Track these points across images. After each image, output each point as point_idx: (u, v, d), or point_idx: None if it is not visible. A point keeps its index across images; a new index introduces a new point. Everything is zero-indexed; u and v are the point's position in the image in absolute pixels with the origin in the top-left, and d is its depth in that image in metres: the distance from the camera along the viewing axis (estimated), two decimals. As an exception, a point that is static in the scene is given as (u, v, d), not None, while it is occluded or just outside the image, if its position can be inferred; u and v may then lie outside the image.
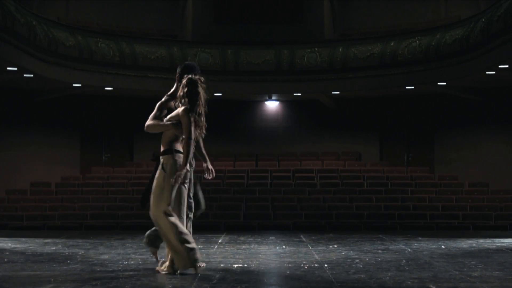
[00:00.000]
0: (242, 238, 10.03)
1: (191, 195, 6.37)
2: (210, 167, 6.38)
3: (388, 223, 13.52)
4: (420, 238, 10.19)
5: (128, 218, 13.68)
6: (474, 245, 8.88)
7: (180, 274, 5.66)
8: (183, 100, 6.11)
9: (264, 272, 5.95)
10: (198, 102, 6.03)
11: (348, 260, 6.87)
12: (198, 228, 13.04)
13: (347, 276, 5.57)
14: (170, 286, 5.02)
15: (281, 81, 17.41)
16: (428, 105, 18.51)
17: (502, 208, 14.22)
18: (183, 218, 6.02)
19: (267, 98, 19.08)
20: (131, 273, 5.80)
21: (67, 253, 7.65)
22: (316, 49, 17.21)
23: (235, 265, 6.35)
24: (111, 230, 12.54)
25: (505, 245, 8.83)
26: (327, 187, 15.54)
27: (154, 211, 5.92)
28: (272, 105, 19.47)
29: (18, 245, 8.83)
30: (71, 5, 19.01)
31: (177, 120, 6.08)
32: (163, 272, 5.77)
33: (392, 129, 18.87)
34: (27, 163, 17.25)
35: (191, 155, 5.99)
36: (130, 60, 16.72)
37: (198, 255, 5.73)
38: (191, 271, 5.71)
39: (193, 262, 5.65)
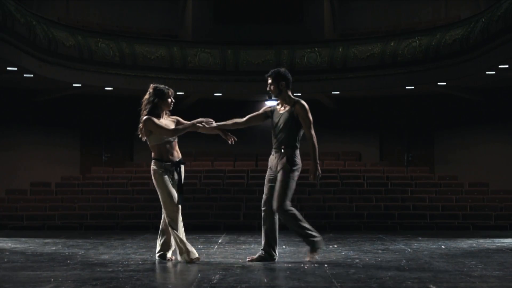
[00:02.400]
0: (242, 238, 10.03)
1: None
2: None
3: (388, 223, 13.52)
4: (420, 238, 10.19)
5: (128, 218, 13.67)
6: (474, 245, 8.87)
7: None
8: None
9: (264, 272, 5.94)
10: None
11: (348, 260, 6.87)
12: (198, 228, 13.08)
13: (347, 276, 5.57)
14: (170, 286, 5.02)
15: (281, 81, 17.39)
16: (428, 105, 18.52)
17: (502, 208, 14.22)
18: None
19: (267, 98, 19.08)
20: (131, 273, 5.80)
21: (67, 253, 7.64)
22: (316, 49, 17.22)
23: (235, 265, 6.35)
24: (111, 230, 12.53)
25: (505, 245, 8.83)
26: (327, 187, 15.53)
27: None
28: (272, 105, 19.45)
29: (18, 245, 8.83)
30: (71, 5, 19.02)
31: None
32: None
33: (392, 129, 18.88)
34: (27, 163, 17.26)
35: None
36: (130, 60, 16.73)
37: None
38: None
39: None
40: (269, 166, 6.93)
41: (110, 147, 18.55)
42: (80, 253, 7.70)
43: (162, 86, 6.82)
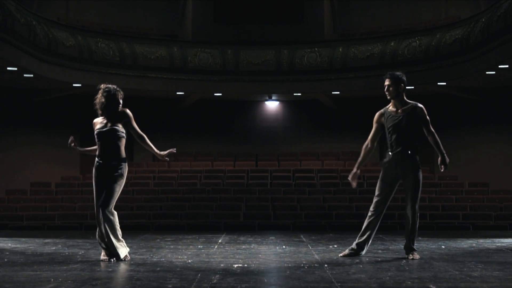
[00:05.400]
0: (242, 238, 10.03)
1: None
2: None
3: (388, 223, 13.50)
4: (420, 238, 10.19)
5: (128, 218, 13.67)
6: (474, 245, 8.87)
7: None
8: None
9: (264, 272, 5.94)
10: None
11: (348, 260, 6.87)
12: (198, 228, 13.07)
13: (347, 276, 5.57)
14: (170, 286, 5.02)
15: (281, 81, 17.43)
16: (428, 105, 18.47)
17: (502, 208, 14.22)
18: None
19: (267, 98, 19.09)
20: (131, 273, 5.80)
21: (67, 253, 7.64)
22: (316, 49, 17.22)
23: (235, 265, 6.35)
24: (111, 230, 12.50)
25: (505, 245, 8.83)
26: (327, 187, 15.53)
27: None
28: (272, 105, 19.47)
29: (18, 245, 8.82)
30: (71, 5, 19.02)
31: None
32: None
33: (392, 129, 18.87)
34: (27, 163, 17.26)
35: None
36: (130, 60, 16.73)
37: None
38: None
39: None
40: (386, 170, 7.15)
41: (110, 147, 18.52)
42: (80, 253, 7.69)
43: (111, 87, 6.85)
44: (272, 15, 19.40)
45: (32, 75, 14.81)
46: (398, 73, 7.04)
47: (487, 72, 14.81)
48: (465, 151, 17.91)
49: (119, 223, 6.90)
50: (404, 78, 7.03)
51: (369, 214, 7.23)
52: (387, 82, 7.03)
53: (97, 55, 16.32)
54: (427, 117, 7.06)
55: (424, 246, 8.67)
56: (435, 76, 16.14)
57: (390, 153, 7.08)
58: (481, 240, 9.65)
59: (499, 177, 16.59)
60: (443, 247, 8.55)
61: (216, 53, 17.23)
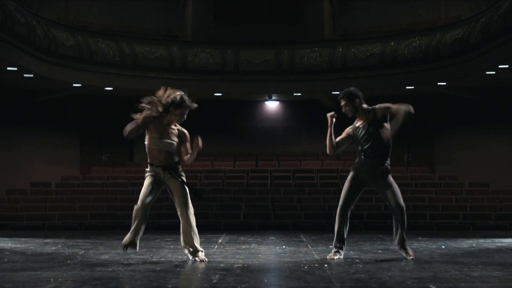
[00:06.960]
0: (242, 238, 10.03)
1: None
2: None
3: (388, 223, 13.36)
4: (420, 238, 10.18)
5: (128, 218, 13.56)
6: (474, 245, 8.87)
7: None
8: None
9: (264, 272, 5.94)
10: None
11: (348, 260, 6.87)
12: (198, 228, 13.05)
13: (347, 276, 5.57)
14: (170, 286, 5.01)
15: (281, 81, 17.42)
16: (428, 105, 18.50)
17: (502, 208, 14.22)
18: None
19: (267, 98, 19.09)
20: (131, 273, 5.79)
21: (67, 253, 7.64)
22: (316, 49, 17.22)
23: (235, 265, 6.35)
24: (111, 230, 12.51)
25: (505, 245, 8.83)
26: (327, 187, 15.53)
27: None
28: (272, 105, 19.47)
29: (18, 245, 8.82)
30: (71, 5, 19.02)
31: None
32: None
33: (392, 129, 18.85)
34: (27, 163, 17.26)
35: None
36: (130, 60, 16.73)
37: None
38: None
39: None
40: (355, 173, 6.87)
41: (110, 147, 18.53)
42: (80, 253, 7.69)
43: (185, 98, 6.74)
44: (272, 15, 19.40)
45: (32, 75, 14.80)
46: (351, 88, 6.89)
47: (487, 72, 14.80)
48: (465, 151, 17.91)
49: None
50: (358, 93, 6.84)
51: (340, 216, 6.96)
52: (342, 103, 6.94)
53: (97, 55, 16.32)
54: (387, 105, 6.71)
55: (424, 246, 8.67)
56: (435, 76, 16.13)
57: (362, 156, 6.89)
58: (481, 240, 9.64)
59: (499, 177, 16.59)
60: (443, 247, 8.55)
61: (216, 53, 17.23)
